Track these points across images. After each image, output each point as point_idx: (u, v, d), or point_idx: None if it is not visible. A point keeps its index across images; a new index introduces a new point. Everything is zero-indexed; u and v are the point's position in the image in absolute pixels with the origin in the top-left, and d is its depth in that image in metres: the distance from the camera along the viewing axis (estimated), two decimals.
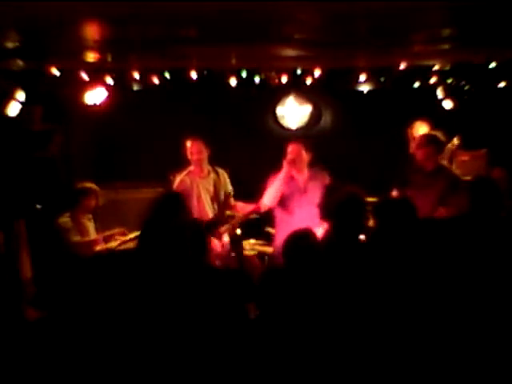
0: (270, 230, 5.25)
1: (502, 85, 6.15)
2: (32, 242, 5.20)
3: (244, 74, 5.95)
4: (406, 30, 4.51)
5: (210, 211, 5.11)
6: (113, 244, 4.95)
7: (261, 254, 5.23)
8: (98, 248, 4.99)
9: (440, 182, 4.51)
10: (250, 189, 4.98)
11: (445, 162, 5.34)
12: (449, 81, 6.25)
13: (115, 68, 5.74)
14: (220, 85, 6.04)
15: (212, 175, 5.24)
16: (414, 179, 4.59)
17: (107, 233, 5.17)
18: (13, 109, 5.41)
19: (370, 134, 6.82)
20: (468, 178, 4.49)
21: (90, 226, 5.27)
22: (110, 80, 5.84)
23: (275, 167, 4.81)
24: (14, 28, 4.15)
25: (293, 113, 7.22)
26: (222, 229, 4.80)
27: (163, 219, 3.81)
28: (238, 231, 4.89)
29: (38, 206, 5.59)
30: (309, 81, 6.12)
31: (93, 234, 5.23)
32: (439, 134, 4.80)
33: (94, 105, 5.99)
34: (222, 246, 4.72)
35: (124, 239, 4.89)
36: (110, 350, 2.97)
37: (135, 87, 6.12)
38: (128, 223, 5.19)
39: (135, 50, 5.06)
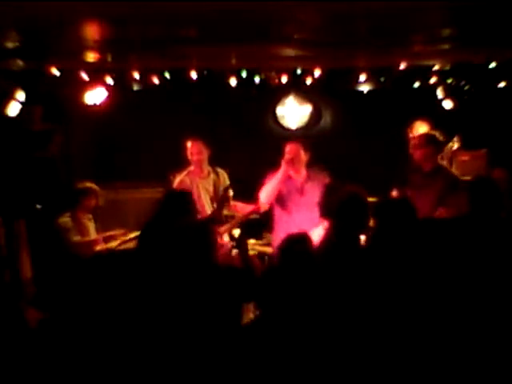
0: (268, 235, 5.26)
1: (502, 85, 6.14)
2: (32, 241, 5.21)
3: (244, 74, 5.95)
4: (406, 30, 4.51)
5: (209, 211, 5.11)
6: (113, 244, 4.95)
7: (261, 254, 5.23)
8: (98, 248, 4.99)
9: (438, 182, 4.48)
10: (250, 189, 4.97)
11: (445, 162, 5.34)
12: (449, 81, 6.25)
13: (115, 68, 5.74)
14: (220, 85, 6.05)
15: (212, 176, 5.24)
16: (413, 179, 4.57)
17: (107, 233, 5.17)
18: (13, 109, 5.41)
19: (370, 134, 6.81)
20: (468, 178, 4.49)
21: (90, 225, 5.27)
22: (110, 80, 5.84)
23: (275, 167, 4.80)
24: (14, 28, 4.15)
25: (293, 113, 7.22)
26: (222, 229, 4.80)
27: (171, 218, 3.80)
28: (239, 231, 4.89)
29: (38, 206, 5.60)
30: (309, 81, 6.12)
31: (93, 234, 5.23)
32: (437, 134, 4.78)
33: (94, 105, 5.99)
34: (222, 245, 4.72)
35: (124, 239, 4.90)
36: (110, 350, 2.97)
37: (135, 87, 6.12)
38: (128, 223, 5.20)
39: (135, 50, 5.06)
